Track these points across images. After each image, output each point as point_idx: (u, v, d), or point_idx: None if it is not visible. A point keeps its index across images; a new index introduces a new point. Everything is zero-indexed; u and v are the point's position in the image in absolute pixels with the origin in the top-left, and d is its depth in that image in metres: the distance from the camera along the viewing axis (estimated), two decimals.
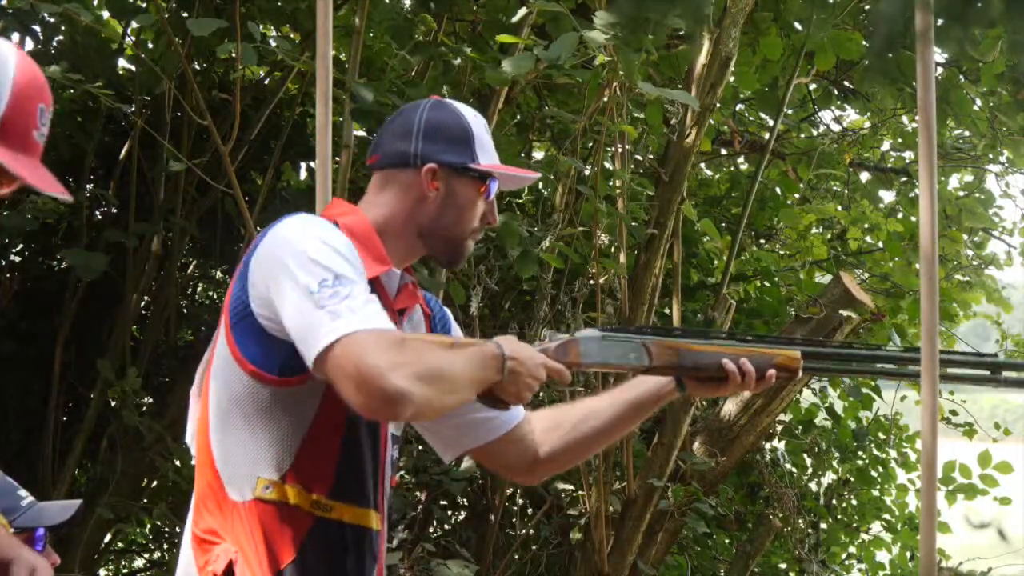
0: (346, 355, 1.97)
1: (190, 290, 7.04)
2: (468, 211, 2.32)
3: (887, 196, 8.36)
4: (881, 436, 7.74)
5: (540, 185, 6.18)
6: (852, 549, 7.80)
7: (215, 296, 7.11)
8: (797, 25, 6.52)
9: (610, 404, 2.53)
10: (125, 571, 7.33)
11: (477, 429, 2.48)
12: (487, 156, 2.35)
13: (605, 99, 5.12)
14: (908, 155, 8.29)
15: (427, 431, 2.54)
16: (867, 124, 8.23)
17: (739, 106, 7.81)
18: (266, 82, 6.47)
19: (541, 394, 5.44)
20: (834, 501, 7.62)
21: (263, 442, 2.14)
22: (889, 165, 8.42)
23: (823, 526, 7.41)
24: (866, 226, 7.95)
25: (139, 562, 7.26)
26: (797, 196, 8.05)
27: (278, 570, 2.13)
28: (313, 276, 2.05)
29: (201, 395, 2.23)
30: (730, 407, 6.09)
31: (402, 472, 6.04)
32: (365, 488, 2.20)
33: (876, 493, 7.80)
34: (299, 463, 2.14)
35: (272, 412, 2.13)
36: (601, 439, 2.56)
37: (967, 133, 7.95)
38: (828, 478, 7.65)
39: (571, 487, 6.02)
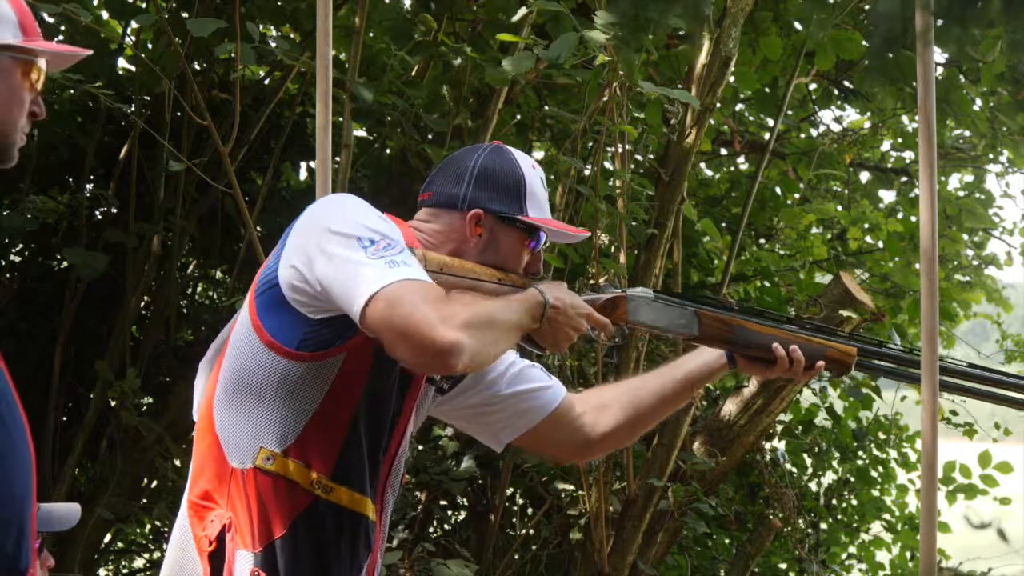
0: (393, 305, 1.96)
1: (190, 290, 7.04)
2: (510, 261, 2.33)
3: (887, 196, 8.36)
4: (881, 436, 7.74)
5: None
6: (852, 549, 7.79)
7: (215, 296, 7.11)
8: (797, 25, 6.52)
9: (660, 380, 2.54)
10: (125, 571, 7.32)
11: (521, 417, 2.49)
12: (537, 209, 2.34)
13: (605, 99, 5.12)
14: (908, 155, 8.29)
15: (472, 423, 2.55)
16: (867, 124, 8.23)
17: (739, 106, 7.81)
18: (266, 82, 6.47)
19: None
20: (834, 501, 7.62)
21: (270, 413, 2.14)
22: (889, 165, 8.42)
23: (823, 526, 7.41)
24: (866, 226, 7.95)
25: (139, 562, 7.25)
26: (797, 196, 8.04)
27: (269, 542, 2.13)
28: (360, 233, 2.06)
29: (214, 366, 2.24)
30: (730, 407, 6.09)
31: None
32: (364, 476, 2.20)
33: (876, 493, 7.80)
34: (304, 439, 2.14)
35: (284, 385, 2.13)
36: (655, 415, 2.56)
37: (967, 133, 7.94)
38: (828, 478, 7.65)
39: (571, 487, 6.02)
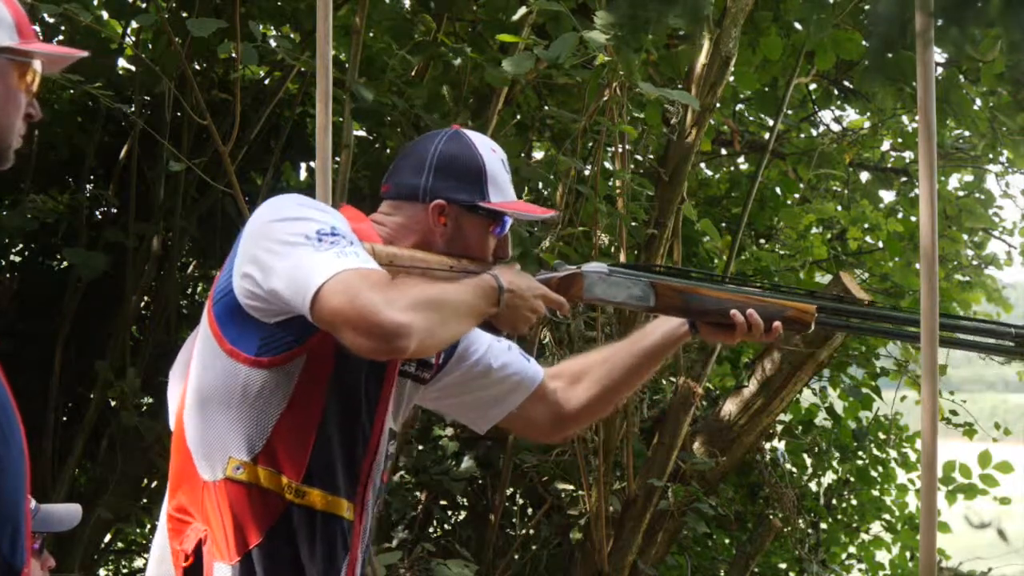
0: (340, 293, 1.96)
1: (190, 290, 7.04)
2: (476, 249, 2.31)
3: (887, 196, 8.36)
4: (881, 436, 7.74)
5: (540, 185, 6.18)
6: (852, 549, 7.80)
7: None
8: (797, 25, 6.52)
9: (628, 352, 2.53)
10: (125, 571, 7.33)
11: (504, 399, 2.49)
12: (499, 193, 2.32)
13: (605, 99, 5.12)
14: (908, 155, 8.28)
15: (456, 409, 2.56)
16: (867, 124, 8.23)
17: (739, 106, 7.81)
18: (266, 82, 6.47)
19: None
20: (834, 501, 7.62)
21: (236, 422, 2.14)
22: (889, 165, 8.42)
23: (823, 526, 7.42)
24: (866, 226, 7.95)
25: (139, 562, 7.25)
26: (797, 196, 8.04)
27: (245, 551, 2.12)
28: (305, 230, 2.05)
29: (184, 376, 2.24)
30: (730, 407, 6.09)
31: (402, 472, 6.05)
32: (337, 477, 2.19)
33: (876, 493, 7.80)
34: (272, 445, 2.13)
35: (247, 392, 2.13)
36: (622, 388, 2.56)
37: (967, 133, 7.94)
38: (828, 478, 7.66)
39: (571, 487, 6.02)
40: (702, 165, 7.94)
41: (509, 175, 2.37)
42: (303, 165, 6.71)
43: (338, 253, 2.01)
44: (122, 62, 6.39)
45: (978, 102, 7.37)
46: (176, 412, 2.23)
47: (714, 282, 2.44)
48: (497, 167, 2.33)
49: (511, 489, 6.25)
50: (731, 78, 6.05)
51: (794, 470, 7.49)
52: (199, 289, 7.20)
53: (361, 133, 6.37)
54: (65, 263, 6.19)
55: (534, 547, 6.18)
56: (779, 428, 7.28)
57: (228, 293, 2.14)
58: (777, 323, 2.39)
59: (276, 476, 2.13)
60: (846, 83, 7.53)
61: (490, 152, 2.34)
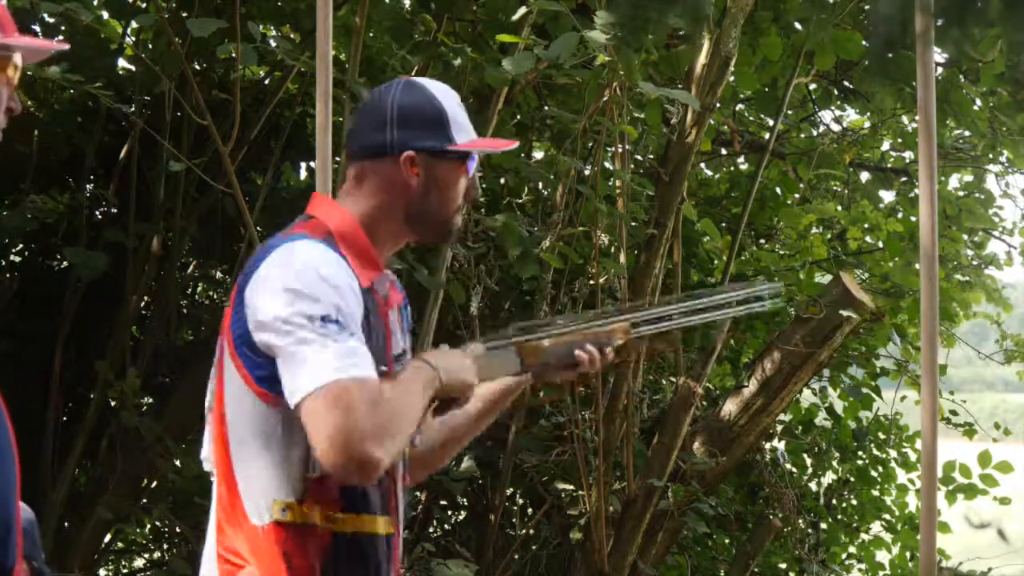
0: (328, 408, 2.00)
1: (190, 290, 7.04)
2: (451, 191, 2.32)
3: (887, 196, 8.36)
4: (881, 436, 7.74)
5: (540, 185, 6.18)
6: (852, 549, 7.80)
7: (215, 296, 7.11)
8: (797, 25, 6.52)
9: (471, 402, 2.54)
10: (125, 571, 7.33)
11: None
12: (463, 133, 2.32)
13: (605, 99, 5.12)
14: (908, 155, 8.29)
15: None
16: (867, 124, 8.23)
17: (739, 106, 7.81)
18: (266, 82, 6.47)
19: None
20: (834, 501, 7.62)
21: (277, 465, 2.15)
22: (889, 165, 8.42)
23: (823, 526, 7.42)
24: (866, 226, 7.95)
25: (139, 562, 7.26)
26: (797, 196, 8.05)
27: None
28: (311, 308, 2.07)
29: (213, 413, 2.23)
30: (730, 407, 6.09)
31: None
32: (370, 496, 2.21)
33: (876, 493, 7.80)
34: (310, 481, 2.15)
35: (283, 432, 2.14)
36: (467, 435, 2.57)
37: (967, 133, 7.94)
38: (828, 478, 7.66)
39: (571, 487, 6.03)
40: (702, 165, 7.94)
41: (465, 112, 2.36)
42: (303, 165, 6.71)
43: (336, 352, 2.03)
44: (122, 62, 6.39)
45: (978, 102, 7.37)
46: (215, 451, 2.23)
47: (542, 325, 2.47)
48: (456, 108, 2.33)
49: (511, 489, 6.25)
50: (731, 78, 6.05)
51: (794, 470, 7.49)
52: (199, 289, 7.20)
53: None
54: (65, 263, 6.19)
55: (534, 547, 6.18)
56: (779, 428, 7.29)
57: (249, 338, 2.14)
58: (609, 350, 2.46)
59: (318, 511, 2.15)
60: (846, 83, 7.53)
61: (446, 94, 2.34)
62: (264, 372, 2.13)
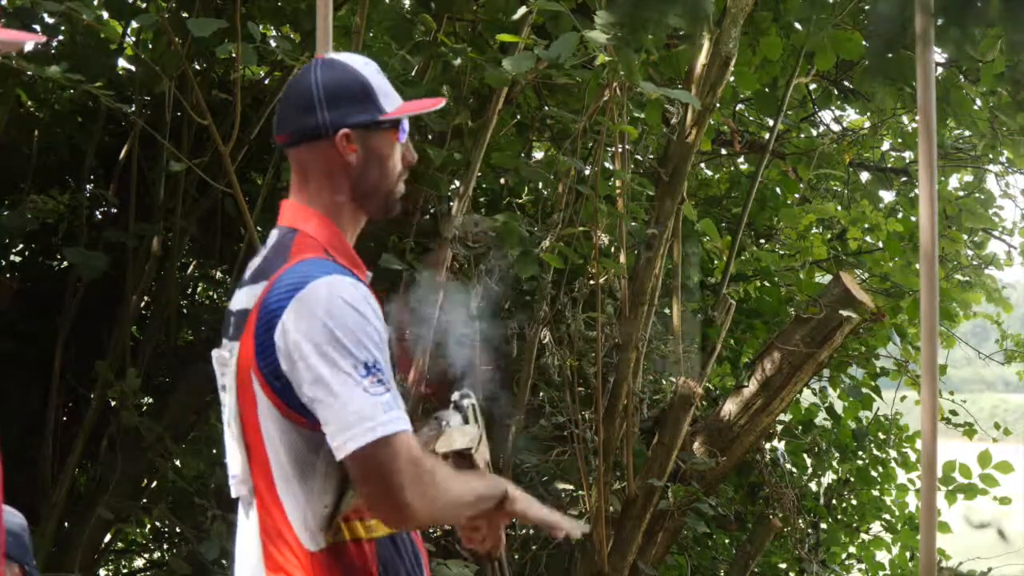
0: (387, 462, 2.06)
1: (190, 290, 7.04)
2: (390, 161, 2.32)
3: (887, 196, 8.36)
4: (881, 436, 7.74)
5: (540, 185, 6.18)
6: (852, 549, 7.80)
7: (215, 296, 7.11)
8: (797, 25, 6.52)
9: None
10: (125, 571, 7.33)
11: None
12: (390, 101, 2.32)
13: (605, 99, 5.12)
14: (908, 155, 8.29)
15: None
16: (867, 124, 8.23)
17: (739, 106, 7.81)
18: (266, 82, 6.47)
19: None
20: (834, 501, 7.62)
21: (320, 487, 2.16)
22: (889, 165, 8.42)
23: (823, 526, 7.42)
24: (866, 226, 7.96)
25: (139, 562, 7.26)
26: (797, 196, 8.05)
27: None
28: (357, 354, 2.09)
29: (243, 439, 2.21)
30: (730, 407, 6.09)
31: None
32: None
33: (876, 493, 7.81)
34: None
35: (324, 457, 2.14)
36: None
37: (967, 133, 7.94)
38: (828, 478, 7.66)
39: (571, 487, 6.02)
40: (702, 165, 7.94)
41: (386, 79, 2.36)
42: None
43: (385, 403, 2.07)
44: (122, 62, 6.40)
45: (978, 102, 7.37)
46: (256, 476, 2.21)
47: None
48: (377, 77, 2.33)
49: None
50: (731, 78, 6.05)
51: (794, 470, 7.50)
52: (199, 289, 7.20)
53: None
54: (65, 263, 6.19)
55: (534, 547, 6.17)
56: (779, 428, 7.29)
57: (281, 375, 2.13)
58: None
59: (360, 523, 2.19)
60: (846, 83, 7.53)
61: (365, 65, 2.33)
62: (296, 400, 2.13)
